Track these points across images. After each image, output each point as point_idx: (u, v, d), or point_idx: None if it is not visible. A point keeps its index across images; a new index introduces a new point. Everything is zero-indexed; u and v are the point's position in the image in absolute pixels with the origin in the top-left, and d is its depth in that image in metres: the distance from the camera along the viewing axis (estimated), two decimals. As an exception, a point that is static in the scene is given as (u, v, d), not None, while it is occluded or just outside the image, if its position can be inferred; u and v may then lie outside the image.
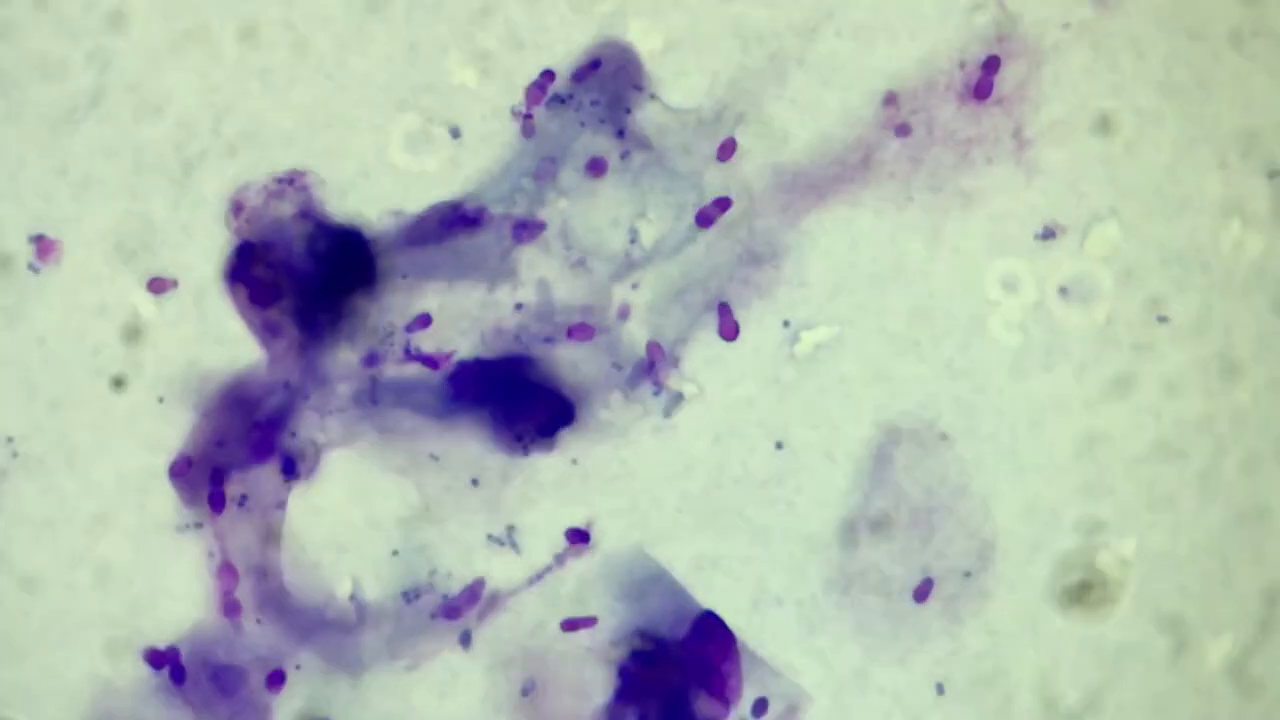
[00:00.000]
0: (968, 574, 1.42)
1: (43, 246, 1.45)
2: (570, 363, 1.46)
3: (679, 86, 1.44)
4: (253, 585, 1.44)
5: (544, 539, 1.46)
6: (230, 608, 1.44)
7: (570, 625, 1.45)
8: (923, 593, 1.42)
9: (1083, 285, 1.43)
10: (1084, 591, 1.41)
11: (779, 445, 1.45)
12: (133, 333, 1.44)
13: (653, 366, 1.45)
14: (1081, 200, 1.43)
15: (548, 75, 1.44)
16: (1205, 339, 1.42)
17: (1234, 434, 1.41)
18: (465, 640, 1.45)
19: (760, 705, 1.44)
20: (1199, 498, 1.42)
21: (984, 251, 1.44)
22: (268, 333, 1.44)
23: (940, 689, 1.43)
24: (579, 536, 1.46)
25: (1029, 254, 1.43)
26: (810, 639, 1.44)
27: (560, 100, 1.44)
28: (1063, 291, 1.43)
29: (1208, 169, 1.43)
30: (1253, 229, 1.42)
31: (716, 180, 1.44)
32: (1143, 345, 1.42)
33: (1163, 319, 1.42)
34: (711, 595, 1.45)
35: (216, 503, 1.43)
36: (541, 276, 1.45)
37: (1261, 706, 1.42)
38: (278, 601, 1.44)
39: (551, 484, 1.46)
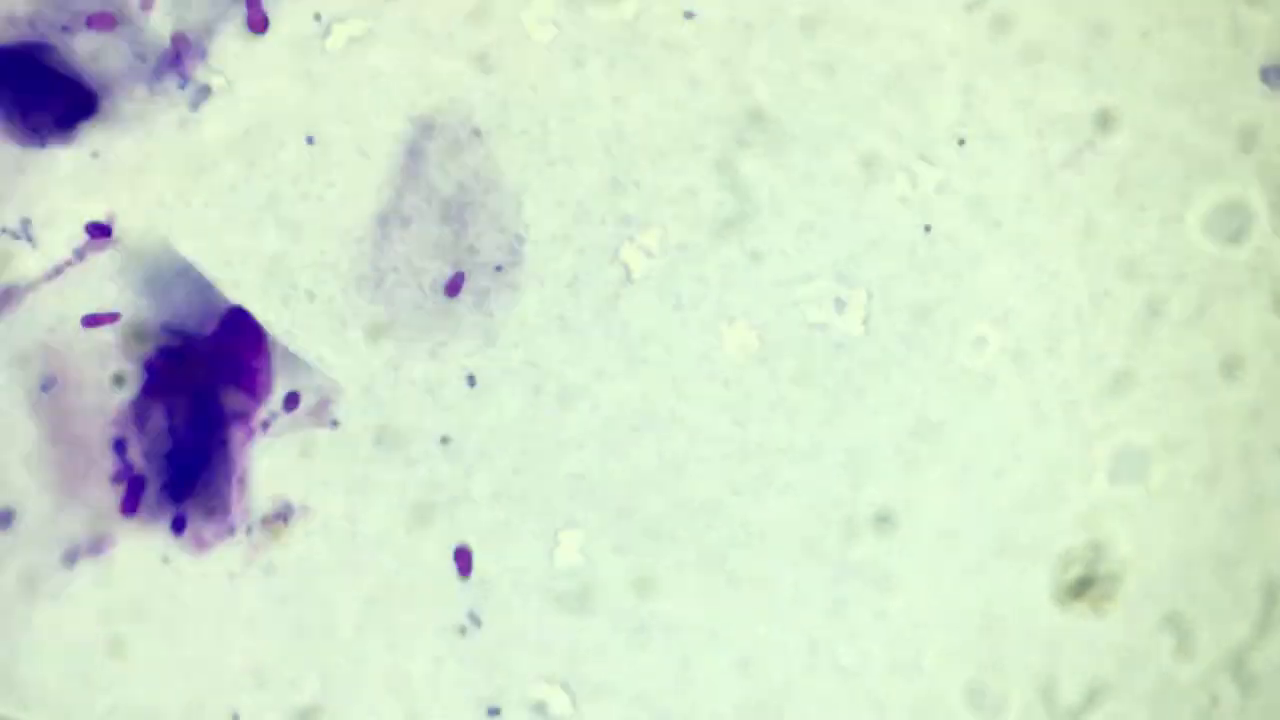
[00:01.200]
0: (499, 268, 1.43)
1: None
2: (91, 52, 1.40)
3: None
4: None
5: (63, 233, 1.40)
6: None
7: (91, 321, 1.40)
8: (454, 287, 1.43)
9: (612, -21, 1.44)
10: (1084, 588, 1.42)
11: (310, 140, 1.43)
12: None
13: (178, 58, 1.41)
14: (610, -105, 1.43)
15: None
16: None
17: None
18: (-14, 344, 1.39)
19: (292, 398, 1.42)
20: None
21: (516, -56, 1.43)
22: None
23: (471, 381, 1.44)
24: (100, 230, 1.41)
25: (560, -52, 1.44)
26: (342, 333, 1.43)
27: None
28: (593, -14, 1.44)
29: None
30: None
31: None
32: (671, 42, 1.44)
33: (690, 15, 1.44)
34: (240, 291, 1.42)
35: None
36: (57, -41, 1.39)
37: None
38: None
39: (70, 176, 1.40)
